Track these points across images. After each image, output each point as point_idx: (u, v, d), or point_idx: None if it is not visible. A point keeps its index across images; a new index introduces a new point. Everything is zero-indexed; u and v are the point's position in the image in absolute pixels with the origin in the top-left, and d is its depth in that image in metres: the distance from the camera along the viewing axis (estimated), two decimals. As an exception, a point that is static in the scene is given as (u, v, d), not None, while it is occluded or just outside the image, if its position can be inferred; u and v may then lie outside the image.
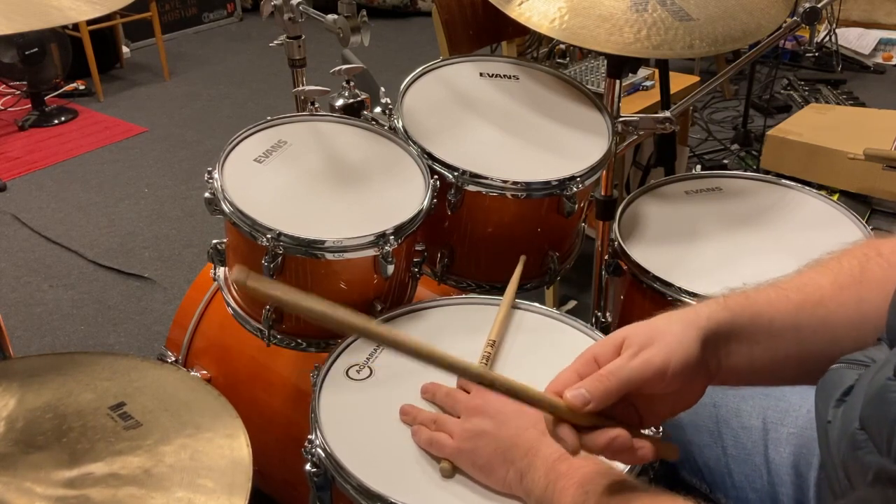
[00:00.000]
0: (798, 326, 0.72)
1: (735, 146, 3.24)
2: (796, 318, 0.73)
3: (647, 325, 0.71)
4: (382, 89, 1.41)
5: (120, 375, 0.97)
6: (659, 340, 0.69)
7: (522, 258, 1.22)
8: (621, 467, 0.84)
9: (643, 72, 2.38)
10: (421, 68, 1.40)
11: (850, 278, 0.74)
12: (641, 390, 0.68)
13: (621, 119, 1.43)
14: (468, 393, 0.91)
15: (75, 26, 3.81)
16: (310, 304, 0.61)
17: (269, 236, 1.05)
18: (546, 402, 0.68)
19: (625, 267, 1.32)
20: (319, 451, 0.89)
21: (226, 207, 1.10)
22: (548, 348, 1.06)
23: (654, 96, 2.25)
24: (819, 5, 1.55)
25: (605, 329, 1.49)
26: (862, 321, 0.72)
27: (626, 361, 0.68)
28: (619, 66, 1.40)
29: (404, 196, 1.16)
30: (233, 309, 1.22)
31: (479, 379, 0.65)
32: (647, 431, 0.90)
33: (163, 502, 0.79)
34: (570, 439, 0.67)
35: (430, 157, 1.22)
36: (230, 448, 0.87)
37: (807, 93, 3.71)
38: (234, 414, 0.92)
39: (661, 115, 1.47)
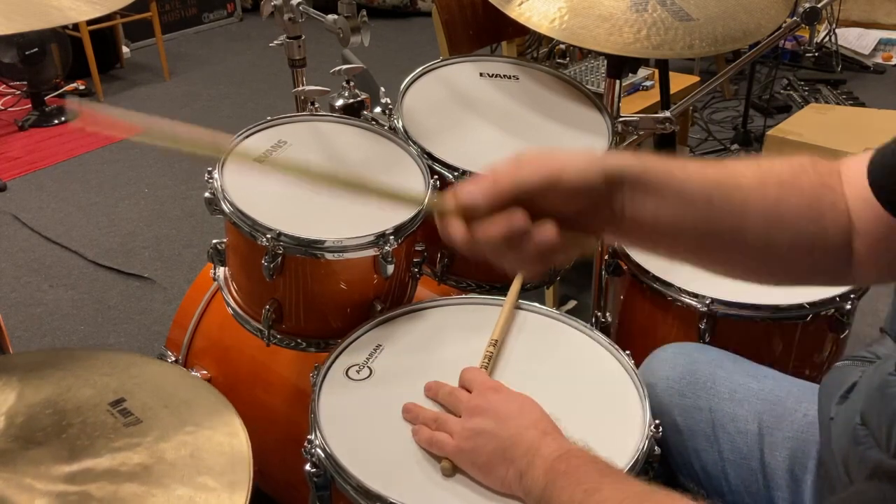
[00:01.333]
0: (709, 199, 0.72)
1: (735, 146, 3.24)
2: (709, 191, 0.72)
3: (546, 147, 0.72)
4: (382, 89, 1.41)
5: (119, 371, 0.97)
6: (557, 156, 0.70)
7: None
8: (621, 465, 0.84)
9: (643, 72, 2.38)
10: (421, 68, 1.40)
11: (777, 178, 0.73)
12: (538, 202, 0.68)
13: (621, 119, 1.43)
14: (470, 392, 0.91)
15: (75, 26, 3.81)
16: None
17: (269, 236, 1.05)
18: (440, 204, 0.69)
19: (625, 267, 1.32)
20: (319, 451, 0.89)
21: (226, 207, 1.10)
22: (548, 348, 1.06)
23: (654, 96, 2.25)
24: (819, 5, 1.55)
25: (605, 329, 1.49)
26: (776, 219, 0.72)
27: (520, 167, 0.69)
28: (619, 66, 1.40)
29: (404, 196, 1.16)
30: (233, 309, 1.22)
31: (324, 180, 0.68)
32: (644, 424, 0.90)
33: (163, 499, 0.79)
34: (459, 230, 0.67)
35: (430, 157, 1.22)
36: (230, 446, 0.87)
37: (807, 93, 3.71)
38: (234, 411, 0.92)
39: (661, 115, 1.48)
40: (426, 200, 0.68)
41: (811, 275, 0.77)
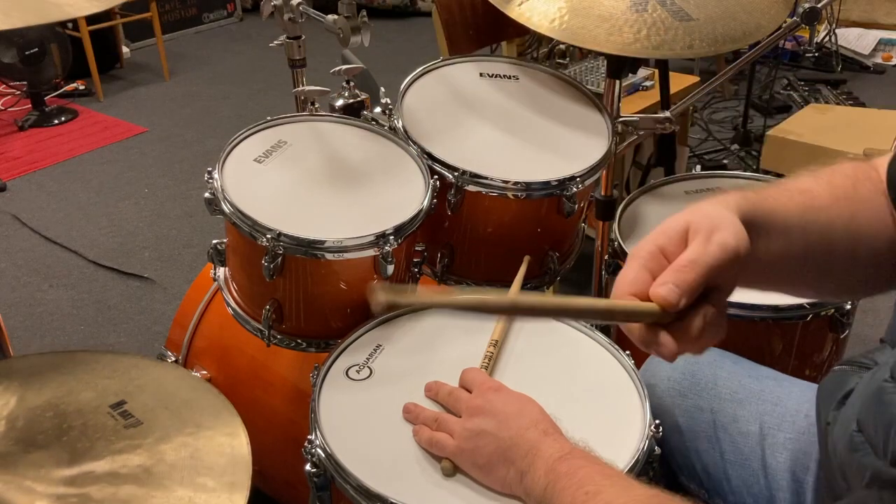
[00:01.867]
0: (804, 227, 0.73)
1: (735, 146, 3.24)
2: (802, 218, 0.73)
3: (702, 212, 0.67)
4: (382, 89, 1.41)
5: (120, 374, 0.97)
6: (722, 224, 0.65)
7: (527, 258, 1.21)
8: (621, 465, 0.84)
9: (643, 72, 2.38)
10: (421, 68, 1.40)
11: (844, 192, 0.75)
12: (715, 279, 0.64)
13: (621, 119, 1.43)
14: (470, 392, 0.91)
15: (75, 26, 3.81)
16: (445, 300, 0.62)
17: (269, 236, 1.05)
18: (624, 309, 0.63)
19: (625, 267, 1.32)
20: (319, 451, 0.89)
21: (226, 207, 1.10)
22: (548, 348, 1.06)
23: (654, 96, 2.24)
24: (819, 5, 1.55)
25: (605, 329, 1.49)
26: (854, 235, 0.74)
27: (705, 248, 0.64)
28: (619, 66, 1.40)
29: (404, 196, 1.16)
30: (233, 309, 1.22)
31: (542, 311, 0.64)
32: (647, 428, 0.90)
33: (163, 501, 0.80)
34: (670, 344, 0.63)
35: (430, 157, 1.22)
36: (230, 446, 0.87)
37: (807, 93, 3.71)
38: (234, 412, 0.92)
39: (660, 115, 1.47)
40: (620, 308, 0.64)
41: (888, 284, 0.79)
